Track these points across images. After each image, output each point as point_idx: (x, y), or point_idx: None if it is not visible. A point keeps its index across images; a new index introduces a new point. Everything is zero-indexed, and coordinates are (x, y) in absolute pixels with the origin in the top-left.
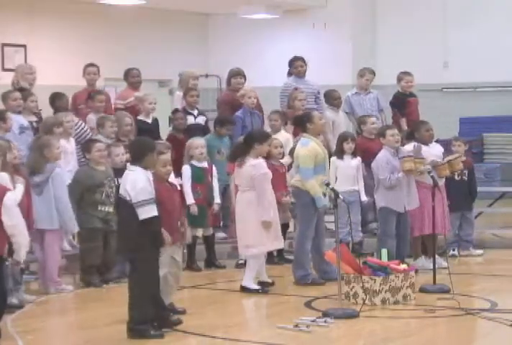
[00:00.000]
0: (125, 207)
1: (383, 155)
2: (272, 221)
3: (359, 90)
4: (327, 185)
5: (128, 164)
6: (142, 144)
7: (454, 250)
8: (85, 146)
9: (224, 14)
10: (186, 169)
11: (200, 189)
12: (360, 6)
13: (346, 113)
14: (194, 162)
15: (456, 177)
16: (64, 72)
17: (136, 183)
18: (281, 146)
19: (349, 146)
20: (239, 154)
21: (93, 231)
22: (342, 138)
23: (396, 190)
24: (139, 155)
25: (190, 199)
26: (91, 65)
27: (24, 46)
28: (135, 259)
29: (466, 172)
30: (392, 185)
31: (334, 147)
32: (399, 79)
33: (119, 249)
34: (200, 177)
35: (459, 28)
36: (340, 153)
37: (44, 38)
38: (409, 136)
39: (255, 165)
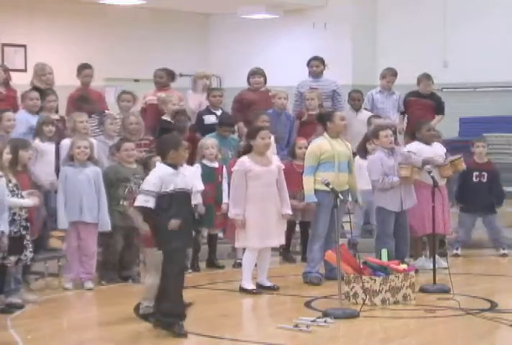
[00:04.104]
0: None
1: (377, 156)
2: (248, 219)
3: (382, 89)
4: (327, 185)
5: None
6: (165, 141)
7: (457, 249)
8: (115, 145)
9: (224, 14)
10: (197, 168)
11: (209, 188)
12: (360, 6)
13: (365, 109)
14: (205, 162)
15: (474, 179)
16: (64, 72)
17: (149, 176)
18: (306, 147)
19: (372, 147)
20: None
21: (112, 227)
22: (365, 138)
23: (393, 190)
24: (162, 152)
25: (196, 198)
26: (87, 66)
27: (24, 46)
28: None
29: (485, 174)
30: (385, 188)
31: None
32: (418, 81)
33: None
34: (210, 177)
35: (459, 28)
36: (363, 153)
37: (44, 38)
38: (411, 136)
39: (236, 162)
